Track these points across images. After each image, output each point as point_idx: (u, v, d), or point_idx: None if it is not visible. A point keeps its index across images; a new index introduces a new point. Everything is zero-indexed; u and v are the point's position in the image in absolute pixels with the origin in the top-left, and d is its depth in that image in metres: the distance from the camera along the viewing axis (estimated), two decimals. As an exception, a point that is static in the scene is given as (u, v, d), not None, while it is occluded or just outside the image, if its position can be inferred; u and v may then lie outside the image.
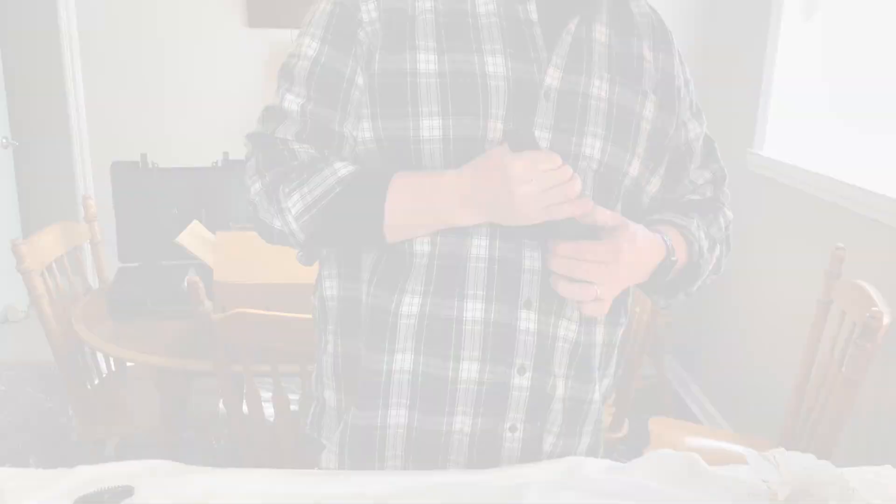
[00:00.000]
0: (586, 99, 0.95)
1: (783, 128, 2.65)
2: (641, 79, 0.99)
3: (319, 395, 1.07)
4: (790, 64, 2.59)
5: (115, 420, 2.13)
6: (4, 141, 3.81)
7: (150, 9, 3.15)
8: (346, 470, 1.01)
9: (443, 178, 0.91)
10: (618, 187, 0.99)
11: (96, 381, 2.27)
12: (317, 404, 1.08)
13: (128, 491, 0.92)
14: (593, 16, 0.97)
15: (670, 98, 1.02)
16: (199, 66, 3.23)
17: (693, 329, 3.25)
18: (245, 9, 3.18)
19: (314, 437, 1.08)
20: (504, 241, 0.94)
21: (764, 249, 2.65)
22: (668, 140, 1.02)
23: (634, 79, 0.99)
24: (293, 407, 2.38)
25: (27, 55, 4.10)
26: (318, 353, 1.06)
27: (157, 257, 2.35)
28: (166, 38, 3.19)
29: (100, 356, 2.62)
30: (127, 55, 3.19)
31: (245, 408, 2.53)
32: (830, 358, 1.82)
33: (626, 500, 0.94)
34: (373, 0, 0.93)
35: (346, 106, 0.95)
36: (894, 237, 1.93)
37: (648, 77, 1.00)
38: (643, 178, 1.02)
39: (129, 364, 2.49)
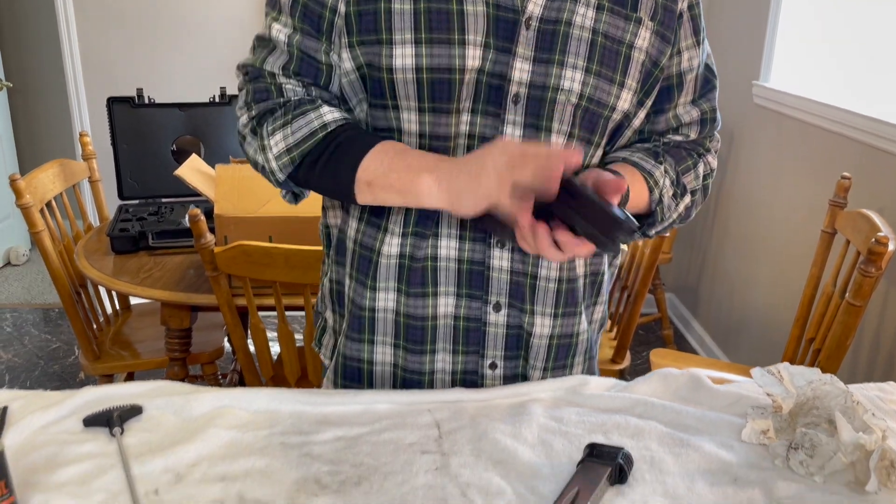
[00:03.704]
0: (569, 27, 0.90)
1: (789, 59, 2.60)
2: (637, 5, 0.93)
3: (323, 313, 1.10)
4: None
5: (120, 356, 2.14)
6: (-2, 82, 3.75)
7: (140, -59, 3.06)
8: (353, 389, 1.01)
9: (428, 154, 0.88)
10: (604, 123, 0.94)
11: (101, 318, 2.28)
12: (321, 321, 1.11)
13: (136, 410, 0.93)
14: None
15: (670, 24, 0.95)
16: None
17: (695, 266, 3.26)
18: (239, -59, 3.09)
19: (318, 353, 1.12)
20: None
21: (768, 183, 2.63)
22: (659, 70, 0.96)
23: (628, 5, 0.93)
24: (299, 344, 2.40)
25: (17, -7, 4.00)
26: (322, 275, 1.09)
27: (157, 194, 2.33)
28: (158, -28, 3.11)
29: (104, 295, 2.63)
30: (119, -10, 3.11)
31: (250, 343, 2.55)
32: (833, 288, 1.83)
33: (630, 416, 0.95)
34: None
35: (331, 35, 0.93)
36: (901, 166, 1.91)
37: (646, 2, 0.94)
38: (632, 112, 0.97)
39: (133, 302, 2.51)
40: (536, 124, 0.92)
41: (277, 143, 0.92)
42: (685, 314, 3.36)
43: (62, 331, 3.31)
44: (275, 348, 2.96)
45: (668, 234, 1.07)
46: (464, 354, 1.00)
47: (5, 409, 0.93)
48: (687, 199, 1.01)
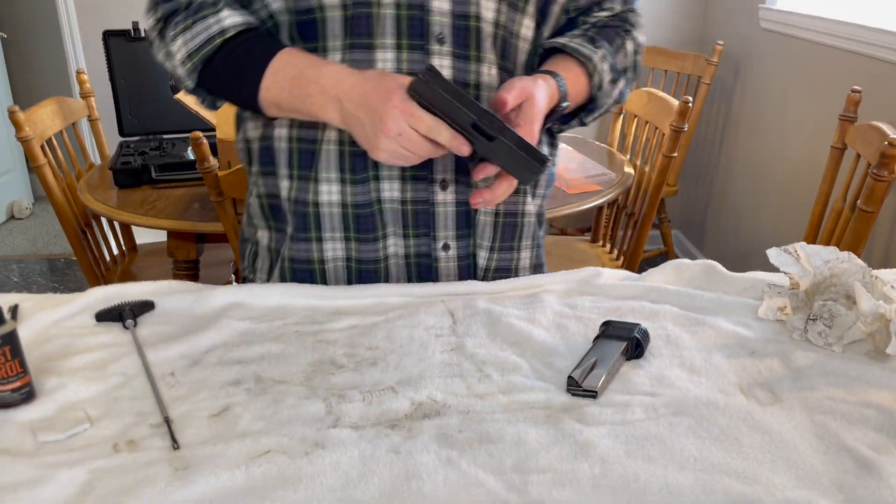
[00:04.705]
0: None
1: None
2: None
3: (252, 237, 1.06)
4: None
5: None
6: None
7: None
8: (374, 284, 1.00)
9: (326, 70, 0.85)
10: None
11: (108, 259, 2.27)
12: (251, 246, 1.07)
13: (149, 305, 0.92)
14: None
15: None
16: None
17: (701, 200, 3.23)
18: None
19: (250, 279, 1.07)
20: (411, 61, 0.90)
21: (777, 109, 2.59)
22: None
23: None
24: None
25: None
26: (248, 196, 1.05)
27: (157, 131, 2.31)
28: None
29: (110, 237, 2.62)
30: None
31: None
32: (843, 203, 1.81)
33: (644, 301, 0.94)
34: None
35: None
36: (913, 77, 1.87)
37: None
38: None
39: (138, 242, 2.50)
40: None
41: (179, 48, 0.90)
42: (691, 250, 3.35)
43: (69, 279, 3.31)
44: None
45: (609, 110, 1.08)
46: (415, 237, 0.98)
47: (16, 306, 0.92)
48: (621, 81, 1.02)
